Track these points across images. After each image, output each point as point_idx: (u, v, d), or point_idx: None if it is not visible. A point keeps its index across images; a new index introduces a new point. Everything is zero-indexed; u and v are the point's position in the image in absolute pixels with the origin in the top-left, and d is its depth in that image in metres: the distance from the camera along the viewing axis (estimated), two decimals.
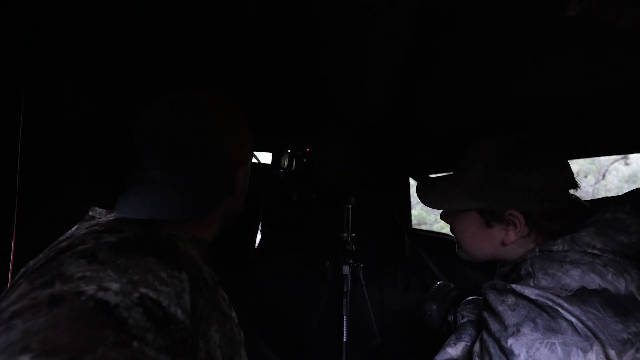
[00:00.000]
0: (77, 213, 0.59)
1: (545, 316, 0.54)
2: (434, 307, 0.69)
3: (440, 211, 0.79)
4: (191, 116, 0.55)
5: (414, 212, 2.09)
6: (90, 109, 1.07)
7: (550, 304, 0.54)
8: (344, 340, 1.25)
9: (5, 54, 0.87)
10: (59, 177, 1.06)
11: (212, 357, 0.47)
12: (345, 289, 1.30)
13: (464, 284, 1.48)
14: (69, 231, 0.52)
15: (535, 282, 0.59)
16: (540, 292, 0.56)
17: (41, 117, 0.99)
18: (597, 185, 6.29)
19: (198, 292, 0.48)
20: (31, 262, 0.44)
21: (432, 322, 0.69)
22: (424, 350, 0.71)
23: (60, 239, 0.49)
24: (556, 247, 0.62)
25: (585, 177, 6.41)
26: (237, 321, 0.61)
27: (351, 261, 1.36)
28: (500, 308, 0.59)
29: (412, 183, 1.93)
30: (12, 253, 0.95)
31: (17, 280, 0.41)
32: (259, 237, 1.81)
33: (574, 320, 0.52)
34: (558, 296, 0.55)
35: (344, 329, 1.25)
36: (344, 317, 1.27)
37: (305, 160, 1.42)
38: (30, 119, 0.95)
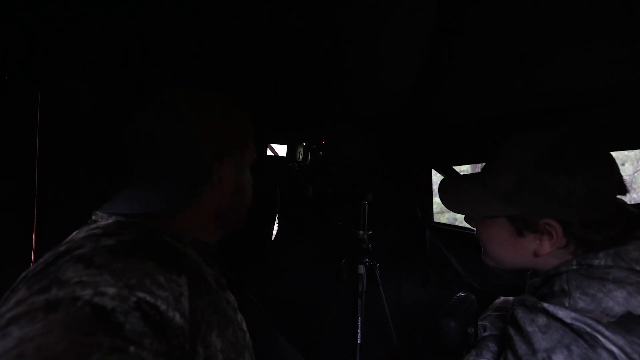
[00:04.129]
0: (92, 207, 0.59)
1: (582, 343, 0.48)
2: (452, 324, 0.63)
3: None
4: (159, 113, 0.56)
5: (436, 199, 2.01)
6: (101, 109, 1.07)
7: (589, 329, 0.48)
8: (359, 342, 1.21)
9: (21, 55, 0.89)
10: (75, 172, 1.08)
11: None
12: (360, 289, 1.26)
13: (489, 283, 1.41)
14: (70, 235, 0.52)
15: (572, 302, 0.52)
16: (577, 316, 0.49)
17: (57, 115, 1.02)
18: (635, 175, 5.88)
19: (198, 296, 0.47)
20: (31, 267, 0.44)
21: (449, 340, 0.63)
22: (441, 353, 0.66)
23: (61, 243, 0.48)
24: (597, 261, 0.54)
25: (622, 165, 6.00)
26: (242, 325, 0.59)
27: (367, 260, 1.31)
28: (529, 328, 0.53)
29: (434, 173, 1.85)
30: (33, 246, 0.98)
31: (17, 285, 0.40)
32: (275, 229, 1.79)
33: (615, 350, 0.46)
34: (598, 322, 0.48)
35: (359, 330, 1.22)
36: (359, 318, 1.23)
37: (320, 153, 1.37)
38: (46, 117, 0.99)
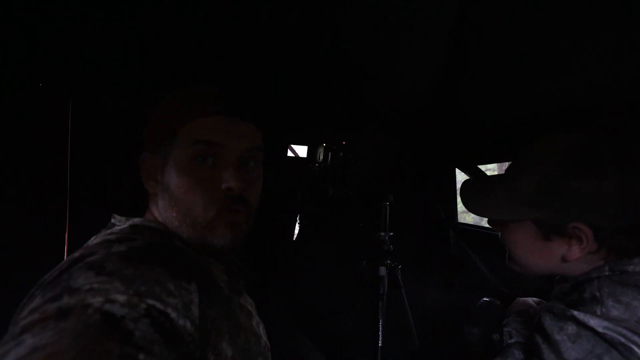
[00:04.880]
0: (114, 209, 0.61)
1: (615, 355, 0.45)
2: (475, 330, 0.61)
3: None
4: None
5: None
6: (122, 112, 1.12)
7: (623, 340, 0.45)
8: (380, 344, 1.20)
9: (53, 62, 0.93)
10: (105, 174, 1.13)
11: None
12: (381, 291, 1.25)
13: (518, 287, 1.36)
14: (88, 241, 0.52)
15: (604, 310, 0.49)
16: (610, 325, 0.47)
17: (87, 119, 1.07)
18: None
19: (208, 303, 0.46)
20: (48, 274, 0.44)
21: (472, 347, 0.61)
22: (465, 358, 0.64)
23: (78, 249, 0.49)
24: (632, 267, 0.52)
25: None
26: (258, 330, 0.58)
27: (388, 262, 1.29)
28: (557, 337, 0.51)
29: (458, 172, 1.80)
30: (65, 245, 1.04)
31: (33, 292, 0.41)
32: (296, 230, 1.80)
33: None
34: (633, 332, 0.45)
35: (380, 333, 1.20)
36: (380, 320, 1.22)
37: (341, 154, 1.37)
38: (77, 121, 1.04)
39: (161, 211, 0.57)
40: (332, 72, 1.08)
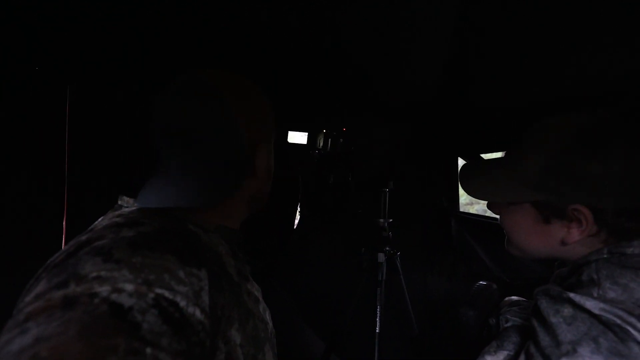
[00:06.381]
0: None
1: (610, 336, 0.44)
2: (471, 313, 0.60)
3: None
4: (197, 97, 0.52)
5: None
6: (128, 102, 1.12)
7: (619, 322, 0.44)
8: (377, 331, 1.20)
9: (50, 51, 0.93)
10: (104, 161, 1.13)
11: (232, 358, 0.45)
12: (380, 278, 1.25)
13: (519, 277, 1.35)
14: (96, 222, 0.51)
15: (600, 292, 0.48)
16: (606, 307, 0.46)
17: (85, 108, 1.07)
18: None
19: (219, 290, 0.45)
20: (55, 255, 0.43)
21: (468, 329, 0.60)
22: (463, 345, 0.63)
23: (85, 231, 0.48)
24: (631, 249, 0.50)
25: None
26: (265, 316, 0.58)
27: (387, 248, 1.29)
28: (553, 320, 0.50)
29: (461, 163, 1.78)
30: (64, 232, 1.05)
31: (40, 274, 0.41)
32: (297, 219, 1.80)
33: None
34: (630, 313, 0.44)
35: (377, 319, 1.20)
36: (378, 307, 1.22)
37: (341, 140, 1.35)
38: (75, 110, 1.04)
39: (245, 194, 0.60)
40: (333, 69, 1.07)
